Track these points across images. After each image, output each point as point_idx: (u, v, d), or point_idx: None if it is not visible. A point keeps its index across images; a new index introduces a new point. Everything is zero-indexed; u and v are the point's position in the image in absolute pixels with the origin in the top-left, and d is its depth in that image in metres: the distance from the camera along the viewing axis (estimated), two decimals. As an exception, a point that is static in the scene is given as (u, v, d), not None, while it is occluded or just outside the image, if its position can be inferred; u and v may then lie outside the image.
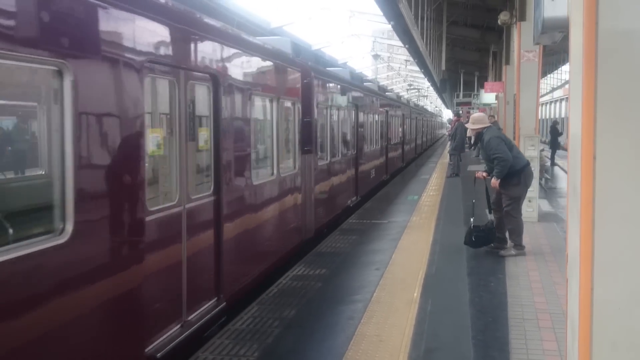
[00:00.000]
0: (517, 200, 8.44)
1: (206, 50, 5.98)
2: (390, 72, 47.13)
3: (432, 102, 75.30)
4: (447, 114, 64.42)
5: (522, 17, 11.00)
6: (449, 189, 16.41)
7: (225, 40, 6.48)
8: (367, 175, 16.71)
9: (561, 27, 6.79)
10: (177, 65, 5.37)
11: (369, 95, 16.84)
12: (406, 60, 36.24)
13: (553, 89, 48.35)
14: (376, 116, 17.96)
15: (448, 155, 22.91)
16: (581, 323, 3.48)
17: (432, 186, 17.43)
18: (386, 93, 24.19)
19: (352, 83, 14.90)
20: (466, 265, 8.03)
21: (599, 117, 3.34)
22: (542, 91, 47.94)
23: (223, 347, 5.30)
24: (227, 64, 6.51)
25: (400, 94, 39.49)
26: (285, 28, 24.52)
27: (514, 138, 13.14)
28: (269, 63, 8.10)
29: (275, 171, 8.33)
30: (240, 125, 6.84)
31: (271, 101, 8.24)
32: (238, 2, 20.67)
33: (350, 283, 7.44)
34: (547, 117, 48.87)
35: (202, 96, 6.04)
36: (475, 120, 8.82)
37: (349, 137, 14.08)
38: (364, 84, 19.73)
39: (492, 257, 8.43)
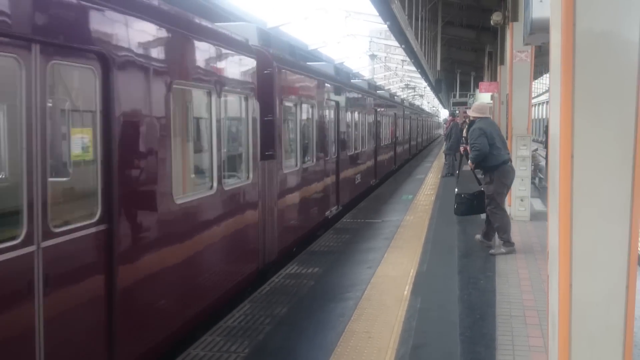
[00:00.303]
0: (495, 198, 8.58)
1: (89, 19, 4.29)
2: (387, 72, 47.24)
3: (429, 102, 75.43)
4: (445, 114, 64.03)
5: (514, 18, 11.09)
6: (444, 189, 16.49)
7: (127, 9, 4.74)
8: (351, 181, 14.62)
9: (549, 28, 6.84)
10: (26, 36, 3.71)
11: (354, 93, 15.36)
12: (403, 60, 36.32)
13: (549, 89, 48.39)
14: (364, 116, 16.62)
15: (444, 155, 22.98)
16: (560, 319, 3.56)
17: (427, 186, 17.51)
18: (377, 91, 23.08)
19: (333, 78, 13.19)
20: (457, 263, 8.11)
21: (576, 117, 3.42)
22: (538, 91, 48.06)
23: (214, 344, 5.37)
24: (129, 40, 4.70)
25: (394, 93, 39.48)
26: (281, 28, 24.64)
27: (507, 138, 13.22)
28: (203, 45, 6.20)
29: (215, 184, 6.36)
30: (150, 124, 4.99)
31: (208, 94, 6.34)
32: (235, 3, 20.72)
33: (342, 281, 7.52)
34: (542, 117, 48.97)
35: (81, 83, 4.52)
36: (476, 108, 9.07)
37: (327, 139, 12.07)
38: (353, 81, 18.43)
39: (483, 255, 8.51)
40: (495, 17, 11.82)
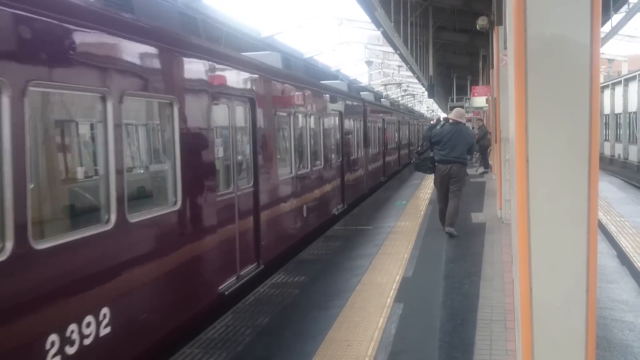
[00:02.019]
0: (434, 183, 10.88)
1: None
2: (384, 78, 47.30)
3: (428, 107, 75.50)
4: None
5: (499, 22, 11.13)
6: (437, 194, 16.48)
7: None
8: (281, 222, 9.68)
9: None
10: None
11: (312, 93, 11.93)
12: (399, 66, 36.40)
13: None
14: (338, 122, 14.58)
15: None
16: (522, 323, 3.57)
17: (421, 191, 17.52)
18: (361, 93, 21.45)
19: (278, 73, 9.98)
20: (443, 268, 8.12)
21: (530, 121, 3.45)
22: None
23: (193, 357, 5.39)
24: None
25: (395, 100, 39.49)
26: (276, 37, 24.75)
27: (495, 141, 13.25)
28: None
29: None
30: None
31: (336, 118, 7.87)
32: (228, 13, 20.85)
33: (327, 289, 7.53)
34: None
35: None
36: (453, 114, 10.78)
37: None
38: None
39: (470, 260, 8.52)
40: (481, 22, 11.89)
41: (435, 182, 10.70)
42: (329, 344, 5.54)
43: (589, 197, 3.42)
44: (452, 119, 10.45)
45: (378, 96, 29.41)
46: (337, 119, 14.64)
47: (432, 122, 23.84)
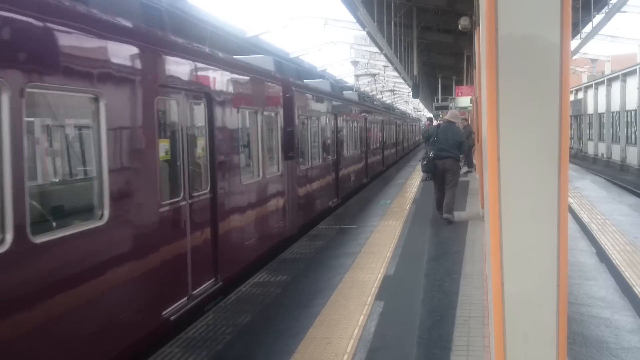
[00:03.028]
0: (432, 178, 11.72)
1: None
2: (371, 78, 47.38)
3: (415, 106, 75.73)
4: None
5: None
6: (422, 193, 16.59)
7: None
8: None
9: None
10: None
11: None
12: (385, 66, 36.50)
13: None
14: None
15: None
16: (495, 317, 3.63)
17: (405, 190, 17.61)
18: (365, 100, 21.25)
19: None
20: (425, 266, 8.18)
21: (501, 120, 3.51)
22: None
23: (172, 356, 5.41)
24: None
25: (380, 99, 39.50)
26: (261, 37, 24.76)
27: (478, 140, 13.36)
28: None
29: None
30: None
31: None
32: (213, 12, 20.86)
33: (309, 288, 7.56)
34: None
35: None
36: (448, 115, 12.41)
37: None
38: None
39: (451, 258, 8.59)
40: (463, 22, 11.99)
41: (433, 176, 11.59)
42: (309, 342, 5.57)
43: (559, 194, 3.48)
44: (447, 119, 12.04)
45: (363, 96, 29.02)
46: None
47: (427, 126, 23.96)
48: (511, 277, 3.54)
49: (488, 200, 3.63)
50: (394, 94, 56.30)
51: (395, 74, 35.43)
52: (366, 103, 25.76)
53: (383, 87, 48.15)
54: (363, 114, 21.87)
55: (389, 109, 39.43)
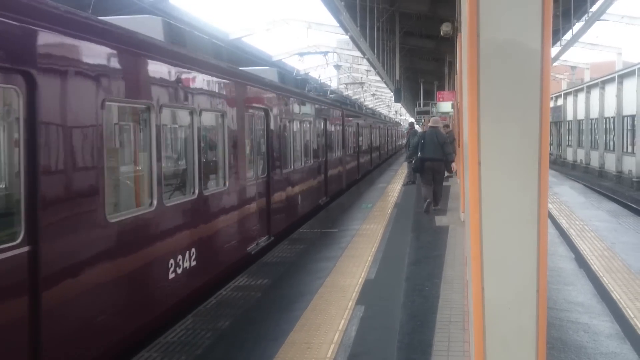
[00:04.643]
0: (420, 176, 13.89)
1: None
2: (354, 82, 47.52)
3: (397, 111, 76.05)
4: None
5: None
6: (403, 197, 16.64)
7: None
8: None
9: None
10: None
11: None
12: (367, 70, 36.61)
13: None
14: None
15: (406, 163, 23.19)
16: (475, 322, 3.63)
17: (387, 194, 17.64)
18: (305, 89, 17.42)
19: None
20: (405, 270, 8.19)
21: (482, 125, 3.52)
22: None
23: (151, 360, 5.34)
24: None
25: (355, 100, 39.40)
26: (244, 39, 24.69)
27: (459, 145, 13.45)
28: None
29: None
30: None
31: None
32: (196, 14, 20.74)
33: (289, 292, 7.53)
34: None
35: None
36: (431, 121, 14.40)
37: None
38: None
39: (432, 263, 8.61)
40: (445, 28, 12.04)
41: (421, 174, 13.60)
42: (289, 347, 5.54)
43: (539, 199, 3.50)
44: (430, 125, 13.86)
45: (343, 99, 27.99)
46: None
47: (409, 130, 23.84)
48: (491, 282, 3.55)
49: (469, 205, 3.63)
50: (376, 98, 56.52)
51: (378, 78, 35.56)
52: (334, 102, 21.59)
53: (365, 90, 48.28)
54: (330, 114, 18.62)
55: (365, 111, 35.34)
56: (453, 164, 13.99)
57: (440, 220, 12.19)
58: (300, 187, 13.86)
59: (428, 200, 13.41)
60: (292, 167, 13.11)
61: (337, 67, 37.97)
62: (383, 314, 6.43)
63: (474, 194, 3.52)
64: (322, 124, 16.91)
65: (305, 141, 14.66)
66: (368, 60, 22.63)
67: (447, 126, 25.19)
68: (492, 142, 3.50)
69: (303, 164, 14.26)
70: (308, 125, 14.99)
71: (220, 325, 6.26)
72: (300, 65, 25.56)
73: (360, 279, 7.79)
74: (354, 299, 6.94)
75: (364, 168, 26.97)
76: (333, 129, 18.66)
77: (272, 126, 11.31)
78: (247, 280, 8.10)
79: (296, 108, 13.82)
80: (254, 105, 10.25)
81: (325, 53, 19.20)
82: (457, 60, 12.30)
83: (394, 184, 20.91)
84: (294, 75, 18.53)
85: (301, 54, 19.43)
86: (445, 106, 24.02)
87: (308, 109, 15.23)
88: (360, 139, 26.30)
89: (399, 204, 15.18)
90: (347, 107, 24.00)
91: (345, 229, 11.98)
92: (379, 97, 56.93)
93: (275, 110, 11.62)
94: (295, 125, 13.60)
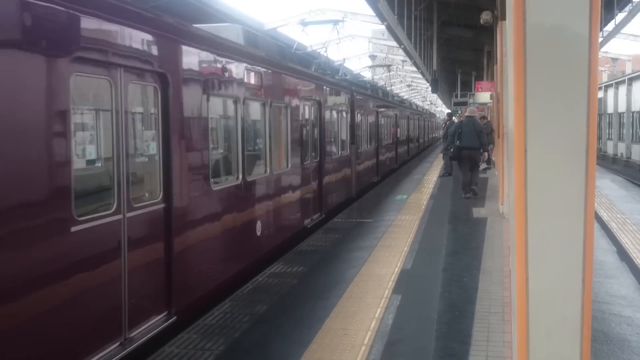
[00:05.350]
0: (458, 164, 14.74)
1: None
2: (390, 73, 47.23)
3: (432, 101, 75.35)
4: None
5: (503, 17, 11.09)
6: (439, 188, 16.50)
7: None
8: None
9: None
10: None
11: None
12: (403, 61, 36.31)
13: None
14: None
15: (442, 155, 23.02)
16: (518, 312, 3.59)
17: (422, 186, 17.53)
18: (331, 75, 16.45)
19: None
20: (443, 261, 8.13)
21: (529, 111, 3.46)
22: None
23: (190, 341, 5.42)
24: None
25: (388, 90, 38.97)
26: (279, 30, 24.70)
27: (498, 136, 13.26)
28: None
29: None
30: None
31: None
32: (231, 3, 20.75)
33: (325, 280, 7.55)
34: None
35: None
36: (467, 111, 15.17)
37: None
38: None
39: (470, 254, 8.52)
40: (485, 16, 11.86)
41: (459, 162, 14.26)
42: (325, 333, 5.56)
43: (586, 188, 3.43)
44: (467, 115, 14.50)
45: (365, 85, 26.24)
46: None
47: (446, 122, 23.66)
48: (536, 272, 3.50)
49: (513, 194, 3.58)
50: (411, 89, 56.07)
51: (413, 68, 35.23)
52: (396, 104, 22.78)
53: (401, 81, 47.91)
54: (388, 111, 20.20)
55: (396, 101, 32.58)
56: (484, 154, 15.77)
57: (478, 212, 12.05)
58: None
59: (466, 187, 14.04)
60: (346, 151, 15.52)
61: (373, 57, 37.75)
62: (420, 304, 6.39)
63: (520, 181, 3.47)
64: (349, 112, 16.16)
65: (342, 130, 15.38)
66: (404, 50, 22.41)
67: (483, 117, 24.88)
68: (539, 129, 3.43)
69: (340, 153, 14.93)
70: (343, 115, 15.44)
71: (257, 310, 6.31)
72: (336, 56, 25.49)
73: (397, 269, 7.76)
74: (390, 288, 6.92)
75: (401, 158, 28.04)
76: (364, 119, 18.48)
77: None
78: (283, 268, 8.15)
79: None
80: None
81: (335, 22, 18.29)
82: (497, 50, 12.12)
83: (430, 176, 20.76)
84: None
85: (304, 24, 18.63)
86: (484, 97, 23.65)
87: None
88: (399, 130, 27.53)
89: (435, 195, 15.07)
90: (389, 100, 25.40)
91: (381, 219, 11.94)
92: (414, 87, 56.42)
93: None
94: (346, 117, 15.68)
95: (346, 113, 15.51)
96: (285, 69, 10.15)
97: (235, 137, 7.96)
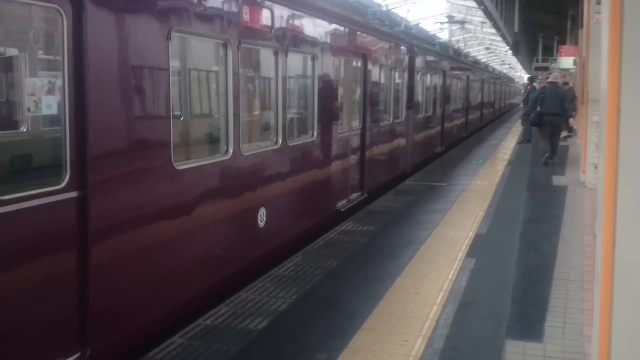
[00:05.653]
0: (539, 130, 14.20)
1: None
2: (466, 35, 45.84)
3: (510, 65, 72.78)
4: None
5: (595, -24, 10.50)
6: (517, 155, 16.05)
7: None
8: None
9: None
10: None
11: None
12: (482, 22, 35.08)
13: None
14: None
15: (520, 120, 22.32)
16: (603, 277, 3.46)
17: (500, 152, 17.08)
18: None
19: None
20: (520, 228, 7.93)
21: (624, 70, 3.27)
22: None
23: (264, 289, 5.55)
24: None
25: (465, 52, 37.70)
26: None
27: (583, 103, 12.71)
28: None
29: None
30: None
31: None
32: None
33: (396, 240, 7.52)
34: None
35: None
36: (551, 77, 15.07)
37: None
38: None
39: (549, 221, 8.27)
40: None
41: (540, 128, 13.89)
42: (397, 290, 5.55)
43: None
44: (549, 81, 14.37)
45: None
46: None
47: (527, 87, 22.80)
48: (624, 237, 3.34)
49: (604, 155, 3.41)
50: (490, 52, 54.35)
51: (492, 30, 34.01)
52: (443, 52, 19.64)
53: (480, 43, 46.39)
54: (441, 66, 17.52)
55: (469, 61, 29.76)
56: (571, 120, 15.10)
57: (558, 180, 11.66)
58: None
59: (547, 154, 13.68)
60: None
61: (450, 17, 36.66)
62: (495, 268, 6.27)
63: (611, 143, 3.30)
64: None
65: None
66: (484, 10, 21.62)
67: (566, 83, 23.87)
68: (632, 89, 3.24)
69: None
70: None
71: (327, 264, 6.36)
72: (412, 17, 24.60)
73: (471, 233, 7.64)
74: (464, 251, 6.83)
75: (472, 126, 25.94)
76: (427, 80, 16.13)
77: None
78: (354, 226, 8.16)
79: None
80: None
81: (463, 22, 20.44)
82: (585, 13, 11.51)
83: (508, 142, 20.21)
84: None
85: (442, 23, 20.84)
86: (567, 62, 22.65)
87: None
88: (470, 94, 25.23)
89: (513, 161, 14.67)
90: (460, 60, 23.03)
91: (454, 183, 11.75)
92: (493, 50, 54.60)
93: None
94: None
95: (403, 72, 12.97)
96: (304, 5, 7.53)
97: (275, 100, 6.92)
